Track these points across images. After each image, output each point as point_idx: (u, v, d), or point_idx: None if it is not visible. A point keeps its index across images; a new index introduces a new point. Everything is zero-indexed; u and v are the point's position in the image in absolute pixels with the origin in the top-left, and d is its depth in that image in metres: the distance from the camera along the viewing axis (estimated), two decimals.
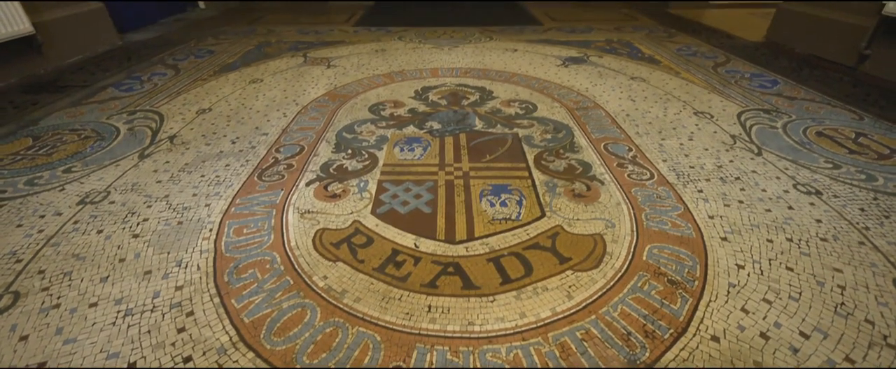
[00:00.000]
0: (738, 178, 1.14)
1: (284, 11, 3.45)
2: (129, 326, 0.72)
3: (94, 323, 0.73)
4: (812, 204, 1.04)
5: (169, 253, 0.88)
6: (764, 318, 0.73)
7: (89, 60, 2.18)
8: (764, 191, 1.09)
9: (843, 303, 0.76)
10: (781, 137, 1.37)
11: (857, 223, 0.97)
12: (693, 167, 1.20)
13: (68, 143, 1.34)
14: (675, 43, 2.47)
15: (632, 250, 0.88)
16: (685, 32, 2.71)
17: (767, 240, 0.91)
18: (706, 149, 1.29)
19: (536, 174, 1.16)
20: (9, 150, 1.30)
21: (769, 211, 1.01)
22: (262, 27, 2.89)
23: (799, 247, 0.90)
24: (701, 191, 1.09)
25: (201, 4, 3.57)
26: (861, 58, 1.98)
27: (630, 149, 1.29)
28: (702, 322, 0.72)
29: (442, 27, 2.81)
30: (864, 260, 0.86)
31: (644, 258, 0.86)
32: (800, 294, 0.78)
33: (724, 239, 0.92)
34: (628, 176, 1.15)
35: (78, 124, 1.48)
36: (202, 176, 1.16)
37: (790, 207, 1.03)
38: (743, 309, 0.75)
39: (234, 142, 1.34)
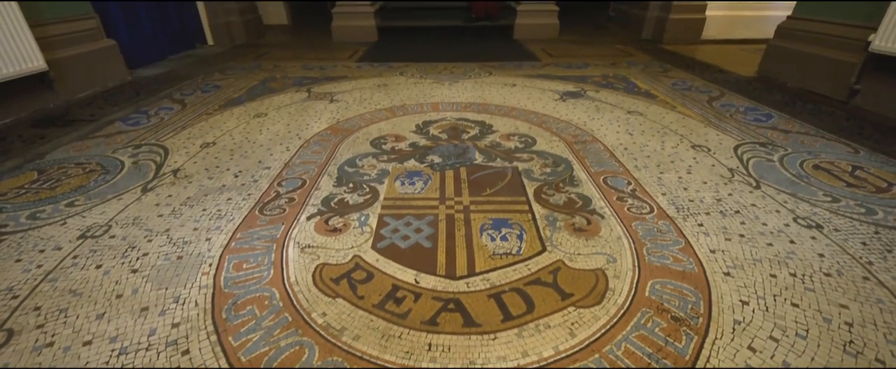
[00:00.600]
0: (737, 212, 1.15)
1: (290, 48, 3.56)
2: (122, 366, 0.70)
3: (88, 363, 0.71)
4: (813, 238, 1.04)
5: (167, 288, 0.88)
6: (772, 357, 0.71)
7: (99, 95, 2.23)
8: (764, 224, 1.09)
9: (851, 341, 0.75)
10: (779, 170, 1.38)
11: (860, 257, 0.96)
12: (692, 201, 1.20)
13: (73, 177, 1.35)
14: (670, 77, 2.53)
15: (634, 285, 0.88)
16: (679, 67, 2.78)
17: (771, 275, 0.91)
18: (705, 183, 1.30)
19: (536, 208, 1.16)
20: (14, 184, 1.31)
21: (771, 245, 1.01)
22: (267, 63, 2.97)
23: (803, 283, 0.89)
24: (701, 225, 1.09)
25: (210, 41, 3.69)
26: (851, 92, 2.03)
27: (629, 183, 1.30)
28: (708, 361, 0.71)
29: (442, 63, 2.89)
30: (870, 296, 0.85)
31: (647, 294, 0.85)
32: (807, 331, 0.77)
33: (727, 274, 0.91)
34: (628, 209, 1.15)
35: (83, 158, 1.50)
36: (204, 209, 1.17)
37: (792, 241, 1.02)
38: (750, 348, 0.73)
39: (236, 176, 1.35)
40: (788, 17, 2.50)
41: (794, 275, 0.91)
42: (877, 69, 1.92)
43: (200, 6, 3.55)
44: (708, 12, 3.77)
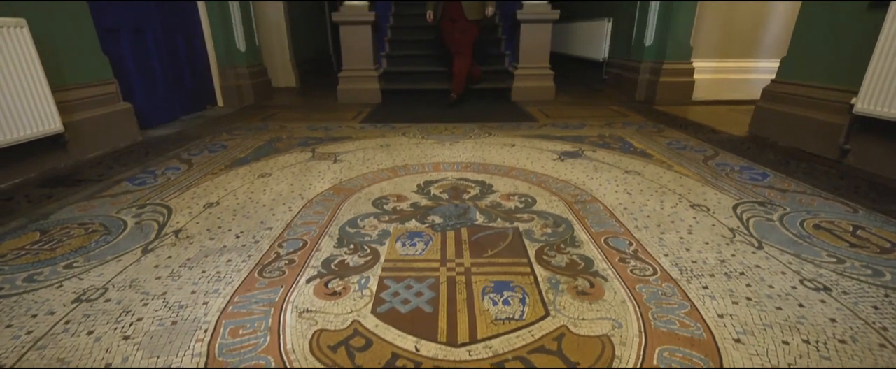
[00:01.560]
0: (742, 274, 1.13)
1: (296, 109, 3.71)
2: None
3: None
4: (823, 301, 1.02)
5: (159, 357, 0.85)
6: None
7: (109, 155, 2.29)
8: (771, 287, 1.07)
9: None
10: (780, 230, 1.38)
11: (874, 322, 0.94)
12: (695, 262, 1.19)
13: (74, 238, 1.36)
14: (665, 137, 2.61)
15: (642, 353, 0.85)
16: (673, 127, 2.87)
17: (783, 342, 0.88)
18: (707, 243, 1.30)
19: (538, 270, 1.15)
20: (15, 245, 1.31)
21: (780, 309, 0.99)
22: (274, 123, 3.08)
23: (818, 350, 0.86)
24: (706, 288, 1.07)
25: (220, 103, 3.85)
26: (842, 152, 2.08)
27: (631, 244, 1.30)
28: None
29: (444, 123, 3.00)
30: (889, 364, 0.82)
31: (655, 361, 0.82)
32: None
33: (738, 340, 0.88)
34: (631, 271, 1.14)
35: (87, 218, 1.51)
36: (203, 271, 1.16)
37: (801, 305, 1.00)
38: None
39: (238, 237, 1.36)
40: (772, 81, 2.63)
41: (807, 341, 0.88)
42: (863, 130, 1.99)
43: (214, 70, 3.75)
44: (696, 75, 3.96)
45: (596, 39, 5.08)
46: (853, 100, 1.97)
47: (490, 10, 3.46)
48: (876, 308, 0.99)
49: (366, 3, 3.90)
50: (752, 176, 1.92)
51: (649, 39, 4.07)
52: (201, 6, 3.57)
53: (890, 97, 1.79)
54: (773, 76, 2.64)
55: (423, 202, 1.61)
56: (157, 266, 1.19)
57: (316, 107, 3.74)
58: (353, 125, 3.01)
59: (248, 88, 3.97)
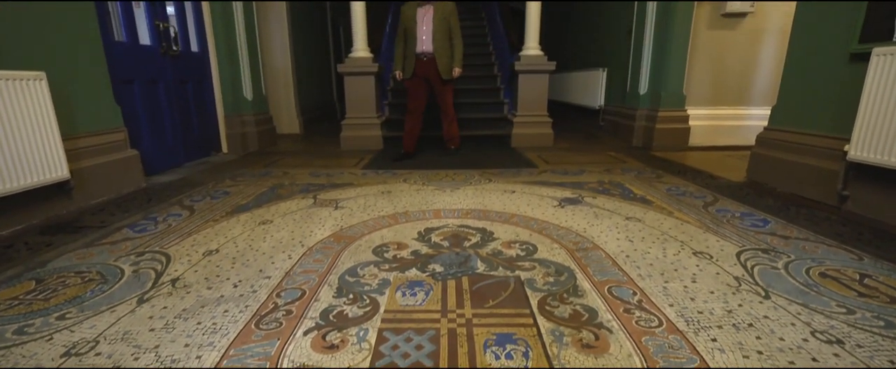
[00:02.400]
0: (751, 325, 1.10)
1: (300, 155, 3.77)
2: None
3: None
4: (836, 355, 0.98)
5: None
6: None
7: (112, 201, 2.31)
8: (782, 339, 1.04)
9: None
10: (786, 279, 1.36)
11: None
12: (701, 312, 1.17)
13: (70, 287, 1.34)
14: (664, 183, 2.63)
15: None
16: (672, 173, 2.91)
17: None
18: (712, 293, 1.28)
19: (541, 321, 1.12)
20: (9, 295, 1.29)
21: (793, 363, 0.95)
22: (277, 170, 3.12)
23: None
24: (715, 340, 1.04)
25: (224, 149, 3.92)
26: (841, 198, 2.09)
27: (635, 293, 1.27)
28: None
29: (444, 170, 3.04)
30: None
31: None
32: None
33: None
34: (636, 323, 1.11)
35: (85, 266, 1.50)
36: (198, 323, 1.13)
37: (814, 359, 0.97)
38: None
39: (235, 286, 1.34)
40: (765, 128, 2.69)
41: None
42: (860, 176, 2.01)
43: (220, 118, 3.86)
44: (691, 122, 4.06)
45: (592, 88, 5.26)
46: (846, 148, 2.01)
47: (457, 71, 3.38)
48: (892, 362, 0.95)
49: (370, 55, 4.08)
50: (753, 222, 1.91)
51: (643, 88, 4.21)
52: (213, 58, 3.73)
53: (882, 144, 1.83)
54: (766, 123, 2.70)
55: (424, 250, 1.60)
56: (151, 317, 1.16)
57: (319, 154, 3.81)
58: (354, 172, 3.04)
59: (253, 135, 4.06)
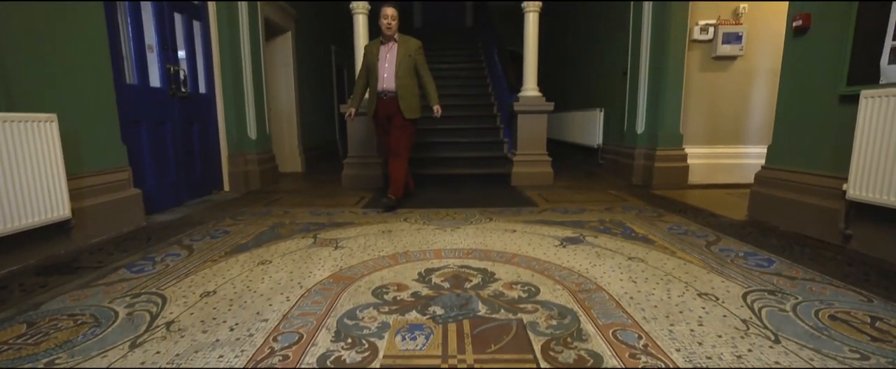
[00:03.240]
0: None
1: (301, 194, 3.78)
2: None
3: None
4: None
5: None
6: None
7: (111, 241, 2.30)
8: None
9: None
10: (795, 322, 1.33)
11: None
12: (710, 358, 1.13)
13: (62, 330, 1.31)
14: (665, 222, 2.62)
15: None
16: (673, 212, 2.90)
17: None
18: (720, 337, 1.24)
19: (545, 367, 1.09)
20: None
21: None
22: (278, 209, 3.12)
23: None
24: None
25: (226, 187, 3.94)
26: (845, 237, 2.08)
27: (640, 337, 1.24)
28: None
29: (445, 209, 3.04)
30: None
31: None
32: None
33: None
34: None
35: (79, 308, 1.47)
36: None
37: None
38: None
39: (232, 330, 1.30)
40: (763, 167, 2.72)
41: None
42: (861, 215, 2.01)
43: (224, 157, 3.91)
44: (690, 160, 4.10)
45: (590, 127, 5.36)
46: (845, 187, 2.02)
47: (438, 110, 3.15)
48: None
49: None
50: (757, 262, 1.89)
51: (640, 127, 4.29)
52: (219, 99, 3.83)
53: (880, 184, 1.84)
54: (763, 161, 2.73)
55: (424, 291, 1.58)
56: (143, 362, 1.13)
57: (320, 193, 3.82)
58: (355, 210, 3.04)
59: (256, 174, 4.09)
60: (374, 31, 3.40)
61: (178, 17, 3.34)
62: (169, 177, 3.21)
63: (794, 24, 2.42)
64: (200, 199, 3.53)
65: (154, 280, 1.73)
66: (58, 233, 2.08)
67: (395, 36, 3.08)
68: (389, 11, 2.98)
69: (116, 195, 2.48)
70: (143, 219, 2.69)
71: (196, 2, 3.56)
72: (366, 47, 3.20)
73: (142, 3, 2.96)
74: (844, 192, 2.02)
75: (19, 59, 1.95)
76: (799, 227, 2.35)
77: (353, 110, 3.25)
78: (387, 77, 3.08)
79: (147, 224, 2.67)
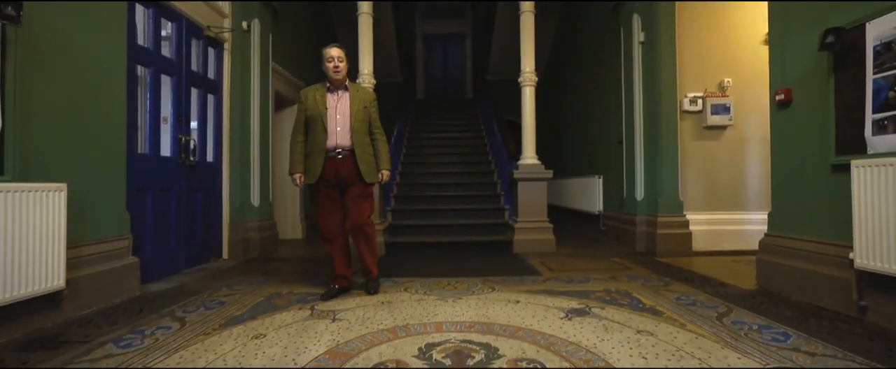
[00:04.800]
0: None
1: (300, 262, 3.73)
2: None
3: None
4: None
5: None
6: None
7: (102, 312, 2.22)
8: None
9: None
10: None
11: None
12: None
13: None
14: (673, 292, 2.55)
15: None
16: (679, 281, 2.83)
17: None
18: None
19: None
20: None
21: None
22: (276, 278, 3.06)
23: None
24: None
25: (225, 255, 3.89)
26: (860, 309, 2.01)
27: None
28: None
29: (446, 278, 2.98)
30: None
31: None
32: None
33: None
34: None
35: None
36: None
37: None
38: None
39: None
40: (766, 234, 2.70)
41: None
42: (875, 285, 1.95)
43: (225, 224, 3.91)
44: (692, 227, 4.09)
45: (589, 194, 5.42)
46: (851, 255, 1.99)
47: (386, 175, 2.64)
48: None
49: None
50: (773, 336, 1.81)
51: (640, 194, 4.33)
52: (225, 167, 3.92)
53: (887, 252, 1.82)
54: (765, 227, 2.72)
55: None
56: None
57: (319, 261, 3.77)
58: (354, 280, 2.98)
59: (256, 241, 4.07)
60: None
61: (194, 91, 3.54)
62: (169, 244, 3.19)
63: (777, 98, 2.54)
64: (198, 267, 3.48)
65: (141, 356, 1.65)
66: (48, 304, 2.02)
67: (347, 82, 2.53)
68: (335, 52, 2.43)
69: (113, 264, 2.45)
70: (138, 288, 2.62)
71: (213, 77, 3.79)
72: (303, 95, 2.52)
73: (162, 77, 3.15)
74: (852, 261, 1.99)
75: (41, 131, 2.04)
76: (811, 298, 2.28)
77: (299, 175, 2.53)
78: (340, 130, 2.46)
79: (140, 294, 2.61)
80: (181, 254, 3.31)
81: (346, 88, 2.53)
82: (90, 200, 2.33)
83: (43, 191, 1.92)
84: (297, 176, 2.53)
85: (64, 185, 2.01)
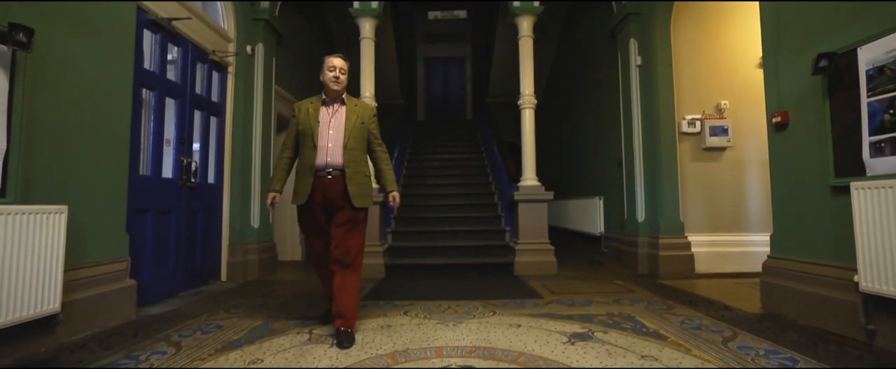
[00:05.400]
0: None
1: (299, 284, 3.69)
2: None
3: None
4: None
5: None
6: None
7: (96, 336, 2.19)
8: None
9: None
10: None
11: None
12: None
13: None
14: (676, 315, 2.51)
15: None
16: (683, 304, 2.80)
17: None
18: None
19: None
20: None
21: None
22: (274, 300, 3.03)
23: None
24: None
25: (223, 277, 3.86)
26: (868, 333, 1.97)
27: None
28: None
29: (446, 301, 2.94)
30: None
31: None
32: None
33: None
34: None
35: None
36: None
37: None
38: None
39: None
40: (769, 256, 2.68)
41: None
42: (882, 309, 1.92)
43: (224, 247, 3.89)
44: (694, 249, 4.06)
45: (590, 215, 5.40)
46: (856, 278, 1.97)
47: (396, 198, 2.41)
48: None
49: (376, 186, 4.29)
50: (780, 361, 1.77)
51: (641, 216, 4.32)
52: (226, 189, 3.93)
53: (892, 275, 1.80)
54: (767, 249, 2.70)
55: None
56: None
57: (318, 284, 3.72)
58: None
59: (255, 263, 4.04)
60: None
61: (197, 114, 3.58)
62: (167, 266, 3.16)
63: (774, 121, 2.57)
64: (195, 290, 3.44)
65: None
66: (42, 328, 1.99)
67: (344, 95, 2.28)
68: (337, 62, 2.21)
69: (111, 286, 2.42)
70: (134, 311, 2.59)
71: (216, 100, 3.84)
72: (297, 108, 2.30)
73: (167, 99, 3.19)
74: (857, 284, 1.97)
75: (46, 153, 2.05)
76: (817, 321, 2.25)
77: (276, 195, 2.28)
78: (332, 147, 2.18)
79: (136, 317, 2.57)
80: (179, 276, 3.28)
81: (342, 102, 2.27)
82: (90, 222, 2.32)
83: (44, 213, 1.91)
84: (272, 194, 2.27)
85: (65, 208, 2.01)
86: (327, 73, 2.22)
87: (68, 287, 2.11)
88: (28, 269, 1.85)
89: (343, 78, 2.23)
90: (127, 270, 2.59)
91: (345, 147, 2.19)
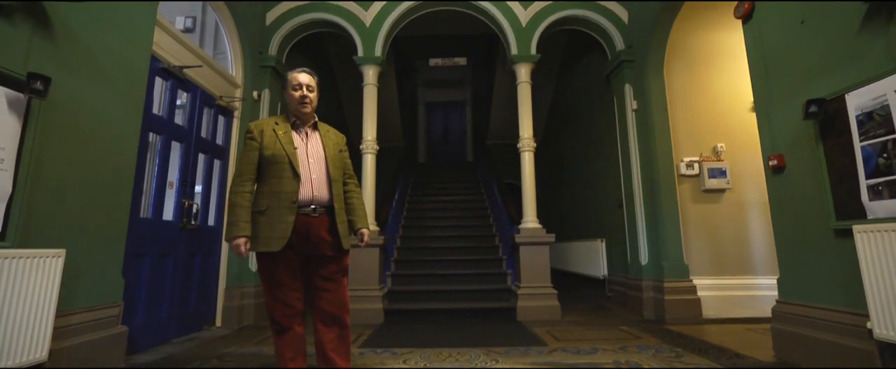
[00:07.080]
0: None
1: None
2: None
3: None
4: None
5: None
6: None
7: None
8: None
9: None
10: None
11: None
12: None
13: None
14: (686, 364, 2.41)
15: None
16: (692, 352, 2.70)
17: None
18: None
19: None
20: None
21: None
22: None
23: None
24: None
25: (218, 323, 3.75)
26: None
27: None
28: None
29: (447, 348, 2.84)
30: None
31: None
32: None
33: None
34: None
35: None
36: None
37: None
38: None
39: None
40: (777, 301, 2.61)
41: None
42: (895, 357, 1.85)
43: (220, 291, 3.81)
44: (700, 293, 3.96)
45: (593, 258, 5.33)
46: (869, 325, 1.92)
47: (367, 234, 2.04)
48: None
49: (376, 228, 4.27)
50: None
51: (644, 259, 4.26)
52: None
53: None
54: (775, 292, 2.64)
55: None
56: None
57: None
58: (352, 351, 2.84)
59: (251, 307, 3.94)
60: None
61: (201, 157, 3.63)
62: (161, 311, 3.08)
63: (771, 163, 2.59)
64: (188, 337, 3.33)
65: None
66: None
67: (315, 119, 1.99)
68: (303, 78, 1.90)
69: (101, 333, 2.35)
70: (123, 359, 2.49)
71: (221, 143, 3.91)
72: (257, 126, 1.90)
73: (173, 143, 3.25)
74: (871, 331, 1.91)
75: (49, 197, 2.06)
76: None
77: (244, 239, 1.75)
78: (316, 179, 1.85)
79: (126, 366, 2.48)
80: (173, 322, 3.19)
81: (314, 127, 1.98)
82: (87, 265, 2.29)
83: (41, 257, 1.89)
84: (241, 240, 1.74)
85: (63, 251, 1.99)
86: (292, 92, 1.88)
87: (57, 334, 2.05)
88: (20, 316, 1.80)
89: (312, 96, 1.91)
90: (119, 316, 2.52)
91: (331, 179, 1.88)
